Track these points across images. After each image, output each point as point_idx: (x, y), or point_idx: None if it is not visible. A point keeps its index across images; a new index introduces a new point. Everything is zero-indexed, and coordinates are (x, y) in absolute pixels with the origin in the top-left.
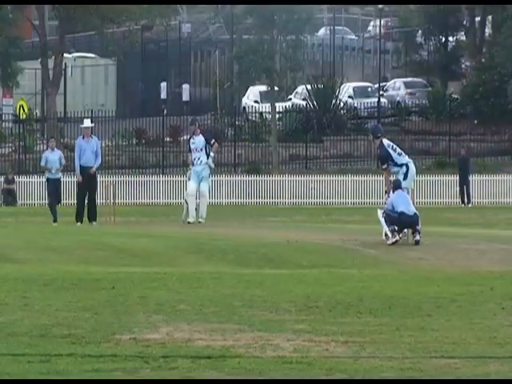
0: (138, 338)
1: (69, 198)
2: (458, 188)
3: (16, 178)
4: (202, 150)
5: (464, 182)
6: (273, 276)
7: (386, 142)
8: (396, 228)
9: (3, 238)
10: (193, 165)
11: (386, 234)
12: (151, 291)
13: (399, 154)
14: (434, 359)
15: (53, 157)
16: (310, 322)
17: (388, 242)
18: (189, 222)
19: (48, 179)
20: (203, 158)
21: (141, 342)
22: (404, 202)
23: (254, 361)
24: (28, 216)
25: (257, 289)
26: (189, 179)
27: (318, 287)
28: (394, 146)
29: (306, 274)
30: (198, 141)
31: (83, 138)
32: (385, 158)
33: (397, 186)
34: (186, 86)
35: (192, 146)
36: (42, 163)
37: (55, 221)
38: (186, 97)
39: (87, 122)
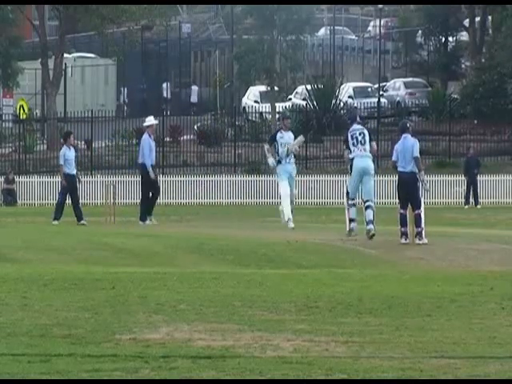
0: (138, 338)
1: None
2: (464, 188)
3: (16, 178)
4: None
5: (472, 183)
6: (273, 276)
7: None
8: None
9: (3, 237)
10: (279, 162)
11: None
12: (151, 291)
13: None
14: (433, 359)
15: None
16: (310, 322)
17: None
18: (292, 228)
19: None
20: (291, 155)
21: (141, 342)
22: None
23: (254, 361)
24: (28, 216)
25: (257, 289)
26: (279, 175)
27: (318, 287)
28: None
29: (306, 274)
30: (288, 137)
31: (150, 135)
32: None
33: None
34: (195, 88)
35: (281, 141)
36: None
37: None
38: (194, 98)
39: (151, 119)
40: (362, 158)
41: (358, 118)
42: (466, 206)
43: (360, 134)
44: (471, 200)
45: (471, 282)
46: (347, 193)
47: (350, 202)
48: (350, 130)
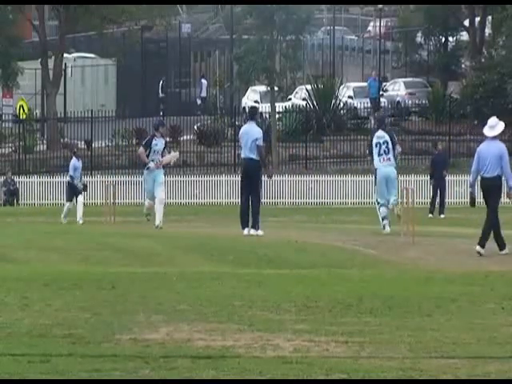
0: (137, 338)
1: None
2: (430, 192)
3: (16, 178)
4: None
5: (439, 185)
6: (273, 276)
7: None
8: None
9: (3, 237)
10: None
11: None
12: (151, 291)
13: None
14: (433, 359)
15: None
16: (309, 322)
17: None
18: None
19: None
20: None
21: (141, 342)
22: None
23: (254, 361)
24: (28, 216)
25: (257, 289)
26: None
27: (318, 287)
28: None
29: (306, 274)
30: (161, 143)
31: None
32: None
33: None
34: (204, 82)
35: (155, 148)
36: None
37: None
38: (203, 93)
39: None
40: (386, 167)
41: (383, 125)
42: (431, 215)
43: (384, 143)
44: (437, 206)
45: (471, 282)
46: (377, 200)
47: (380, 204)
48: (375, 136)
